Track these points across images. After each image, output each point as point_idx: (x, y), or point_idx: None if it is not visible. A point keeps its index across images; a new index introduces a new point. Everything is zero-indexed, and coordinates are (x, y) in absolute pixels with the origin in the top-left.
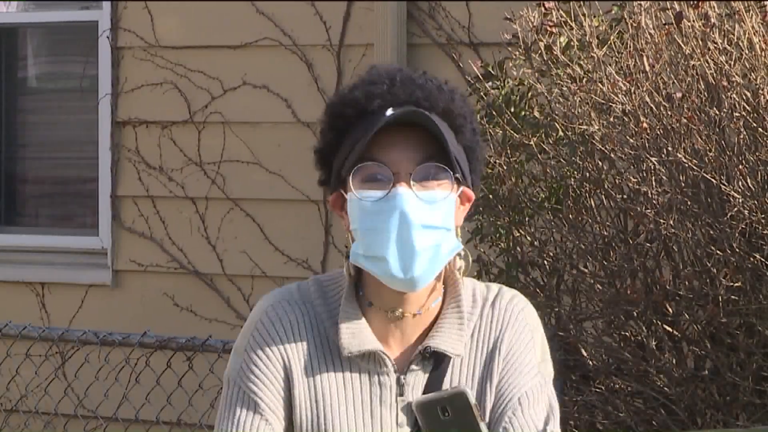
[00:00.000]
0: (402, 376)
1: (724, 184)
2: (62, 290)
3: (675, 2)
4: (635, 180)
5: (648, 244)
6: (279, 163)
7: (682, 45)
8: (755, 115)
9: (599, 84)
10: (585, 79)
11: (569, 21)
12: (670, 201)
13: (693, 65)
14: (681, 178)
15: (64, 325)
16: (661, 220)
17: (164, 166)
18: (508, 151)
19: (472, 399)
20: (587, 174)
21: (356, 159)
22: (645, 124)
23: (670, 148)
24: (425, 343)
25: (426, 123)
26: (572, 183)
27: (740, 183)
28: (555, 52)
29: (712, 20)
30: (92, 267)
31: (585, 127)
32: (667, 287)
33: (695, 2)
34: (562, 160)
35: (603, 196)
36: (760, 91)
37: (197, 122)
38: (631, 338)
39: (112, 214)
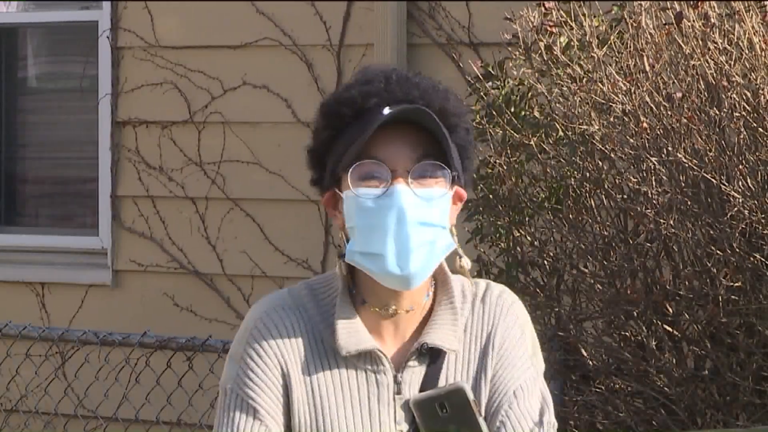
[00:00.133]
0: (399, 374)
1: (724, 184)
2: (62, 290)
3: (675, 2)
4: (635, 180)
5: (648, 244)
6: (279, 163)
7: (682, 45)
8: (755, 115)
9: (599, 84)
10: (585, 79)
11: (569, 21)
12: (670, 201)
13: (693, 65)
14: (681, 178)
15: (64, 325)
16: (661, 220)
17: (164, 166)
18: (508, 151)
19: (470, 394)
20: (587, 174)
21: (354, 157)
22: (645, 124)
23: (670, 148)
24: (421, 339)
25: (426, 120)
26: (572, 183)
27: (740, 183)
28: (555, 52)
29: (712, 20)
30: (92, 267)
31: (585, 127)
32: (667, 287)
33: (695, 2)
34: (562, 160)
35: (603, 196)
36: (760, 91)
37: (197, 122)
38: (631, 338)
39: (112, 214)
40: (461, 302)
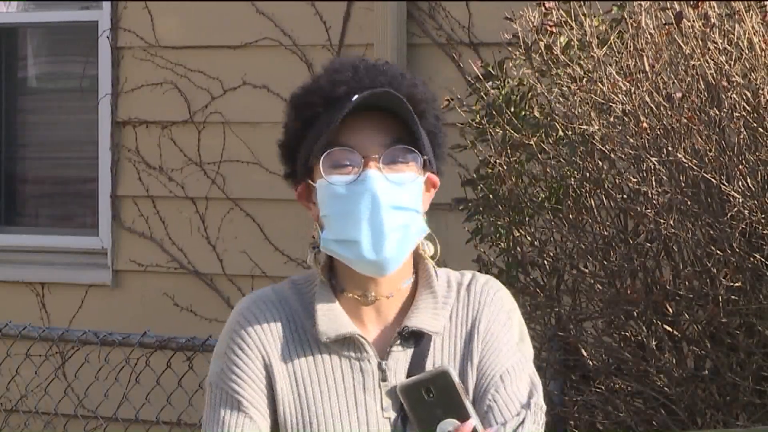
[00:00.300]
0: (384, 362)
1: (724, 184)
2: (62, 290)
3: (675, 2)
4: (635, 180)
5: (648, 244)
6: (279, 163)
7: (682, 45)
8: (755, 115)
9: (599, 84)
10: (585, 79)
11: (569, 21)
12: (670, 201)
13: (693, 65)
14: (681, 178)
15: (64, 325)
16: (661, 220)
17: (164, 166)
18: (508, 151)
19: (456, 377)
20: (587, 174)
21: (325, 145)
22: (645, 124)
23: (670, 148)
24: (403, 323)
25: (395, 104)
26: (572, 183)
27: (740, 183)
28: (555, 52)
29: (712, 20)
30: (92, 267)
31: (585, 127)
32: (667, 287)
33: (695, 2)
34: (562, 160)
35: (603, 196)
36: (760, 91)
37: (197, 122)
38: (631, 338)
39: (112, 214)
40: (446, 290)
